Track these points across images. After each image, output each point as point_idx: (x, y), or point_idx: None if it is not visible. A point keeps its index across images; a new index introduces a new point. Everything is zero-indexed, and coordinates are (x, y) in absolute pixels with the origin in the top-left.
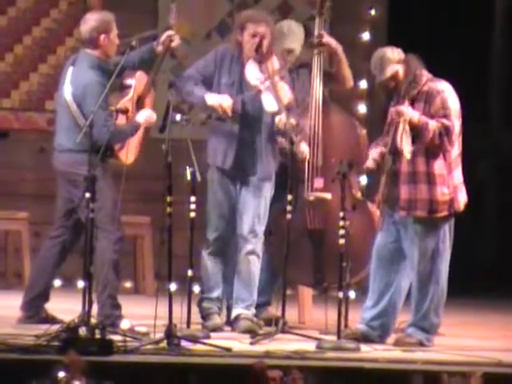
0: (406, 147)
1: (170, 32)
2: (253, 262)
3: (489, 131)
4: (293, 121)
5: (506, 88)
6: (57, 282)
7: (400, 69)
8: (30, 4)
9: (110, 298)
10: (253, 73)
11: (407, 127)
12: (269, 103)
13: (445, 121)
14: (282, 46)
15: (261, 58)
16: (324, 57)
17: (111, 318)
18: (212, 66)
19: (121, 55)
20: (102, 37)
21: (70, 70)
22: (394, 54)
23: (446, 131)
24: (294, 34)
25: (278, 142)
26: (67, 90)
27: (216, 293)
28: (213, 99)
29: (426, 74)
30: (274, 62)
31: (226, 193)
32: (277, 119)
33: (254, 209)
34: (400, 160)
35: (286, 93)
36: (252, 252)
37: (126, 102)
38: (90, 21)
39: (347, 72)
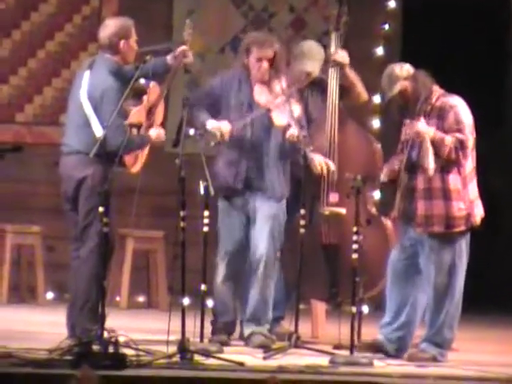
0: (431, 164)
1: (184, 47)
2: (267, 283)
3: (505, 140)
4: (303, 134)
5: None
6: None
7: (408, 85)
8: (44, 18)
9: (91, 312)
10: (261, 94)
11: (429, 144)
12: (278, 119)
13: (459, 135)
14: (299, 67)
15: (269, 80)
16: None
17: (90, 332)
18: (217, 93)
19: (135, 69)
20: (122, 42)
21: (87, 73)
22: (402, 70)
23: (461, 145)
24: (313, 57)
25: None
26: (83, 93)
27: (226, 318)
28: (212, 124)
29: (437, 90)
30: (282, 81)
31: (236, 215)
32: (287, 134)
33: (267, 229)
34: (415, 177)
35: (296, 108)
36: (266, 272)
37: (139, 112)
38: (110, 26)
39: (359, 85)
